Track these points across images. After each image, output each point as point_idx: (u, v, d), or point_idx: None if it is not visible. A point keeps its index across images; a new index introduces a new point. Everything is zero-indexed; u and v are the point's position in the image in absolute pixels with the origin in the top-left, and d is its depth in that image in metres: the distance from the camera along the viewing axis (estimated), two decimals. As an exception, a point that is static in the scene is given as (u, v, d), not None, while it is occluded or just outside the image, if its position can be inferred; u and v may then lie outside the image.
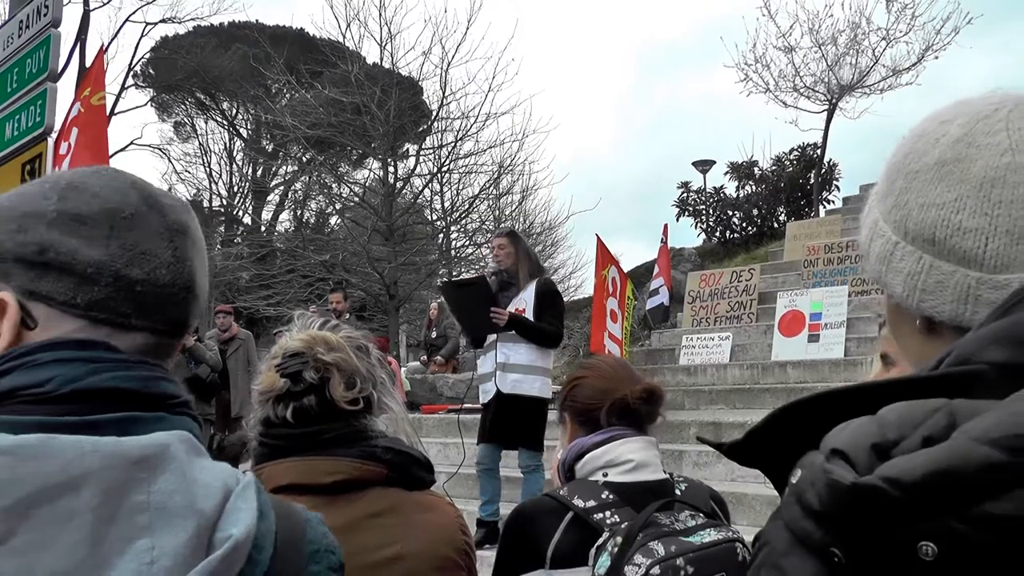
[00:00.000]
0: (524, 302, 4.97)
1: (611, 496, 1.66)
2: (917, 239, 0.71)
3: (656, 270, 11.87)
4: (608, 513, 1.62)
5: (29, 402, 0.70)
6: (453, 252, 18.65)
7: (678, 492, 1.72)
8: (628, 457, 1.70)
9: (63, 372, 0.72)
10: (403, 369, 10.69)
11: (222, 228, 25.80)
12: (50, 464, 0.65)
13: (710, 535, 1.59)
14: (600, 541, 1.57)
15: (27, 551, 0.62)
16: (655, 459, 1.74)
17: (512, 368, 4.91)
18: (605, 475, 1.69)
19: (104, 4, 20.35)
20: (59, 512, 0.64)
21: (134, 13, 21.60)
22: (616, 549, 1.53)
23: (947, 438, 0.52)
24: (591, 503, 1.64)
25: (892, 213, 0.74)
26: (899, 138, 0.77)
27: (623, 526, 1.58)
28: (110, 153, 5.27)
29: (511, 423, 4.94)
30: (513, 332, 4.88)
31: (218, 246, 22.97)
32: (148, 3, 21.07)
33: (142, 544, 0.66)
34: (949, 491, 0.49)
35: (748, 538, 1.65)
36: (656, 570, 1.47)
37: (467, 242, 18.64)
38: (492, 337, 5.01)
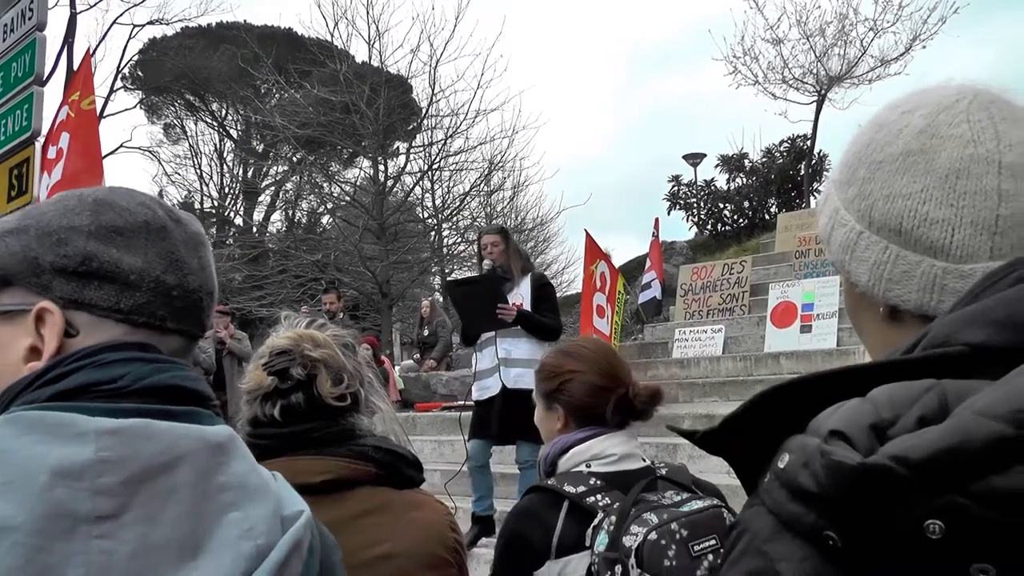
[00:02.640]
0: (521, 296, 4.96)
1: (598, 482, 1.71)
2: (883, 229, 0.72)
3: (648, 264, 11.89)
4: (599, 496, 1.68)
5: (103, 397, 0.74)
6: (445, 249, 18.64)
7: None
8: (612, 451, 1.76)
9: (132, 370, 0.76)
10: (397, 368, 10.69)
11: (213, 230, 25.69)
12: (153, 445, 0.70)
13: (695, 504, 1.65)
14: (595, 522, 1.62)
15: (142, 523, 0.68)
16: (637, 450, 1.81)
17: (514, 363, 4.89)
18: (589, 466, 1.75)
19: (91, 7, 20.25)
20: (161, 488, 0.70)
21: (121, 15, 21.49)
22: (612, 526, 1.58)
23: (941, 416, 0.51)
24: (581, 488, 1.69)
25: (855, 202, 0.75)
26: (857, 126, 0.78)
27: (615, 506, 1.63)
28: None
29: (517, 418, 4.85)
30: (515, 327, 4.86)
31: (210, 248, 22.84)
32: (135, 5, 20.95)
33: (235, 516, 0.72)
34: (956, 467, 0.48)
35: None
36: (653, 535, 1.52)
37: (459, 239, 18.64)
38: (488, 333, 4.98)
